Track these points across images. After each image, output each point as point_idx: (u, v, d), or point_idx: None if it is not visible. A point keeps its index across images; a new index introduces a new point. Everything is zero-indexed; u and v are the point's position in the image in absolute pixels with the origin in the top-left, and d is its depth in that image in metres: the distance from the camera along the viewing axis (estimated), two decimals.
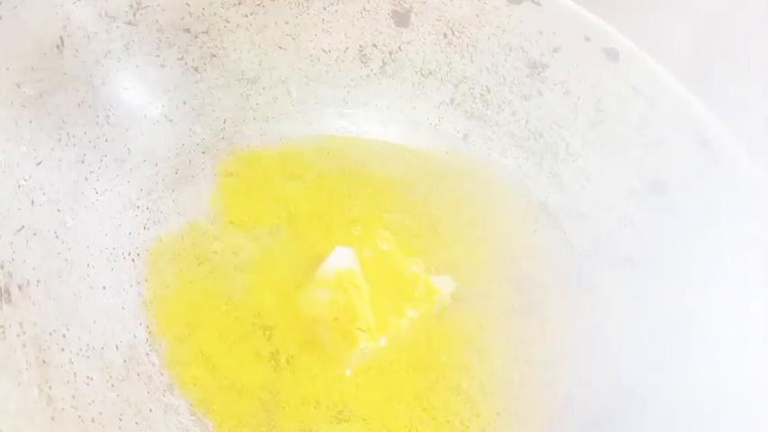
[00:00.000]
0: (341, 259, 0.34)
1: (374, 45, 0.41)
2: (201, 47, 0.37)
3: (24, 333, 0.26)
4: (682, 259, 0.36)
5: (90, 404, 0.27)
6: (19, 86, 0.30)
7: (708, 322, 0.33)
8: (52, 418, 0.25)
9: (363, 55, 0.41)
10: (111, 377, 0.28)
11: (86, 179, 0.33)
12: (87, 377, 0.27)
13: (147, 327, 0.31)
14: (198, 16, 0.37)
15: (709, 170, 0.36)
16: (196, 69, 0.38)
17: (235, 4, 0.38)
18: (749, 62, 0.50)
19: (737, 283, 0.34)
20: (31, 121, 0.30)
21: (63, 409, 0.25)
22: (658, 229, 0.37)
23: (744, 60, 0.50)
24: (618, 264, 0.37)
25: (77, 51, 0.33)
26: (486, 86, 0.41)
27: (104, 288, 0.31)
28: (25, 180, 0.29)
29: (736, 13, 0.54)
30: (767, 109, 0.46)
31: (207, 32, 0.37)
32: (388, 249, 0.36)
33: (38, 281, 0.28)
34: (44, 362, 0.26)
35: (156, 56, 0.36)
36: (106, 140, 0.34)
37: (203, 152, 0.38)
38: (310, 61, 0.40)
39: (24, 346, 0.26)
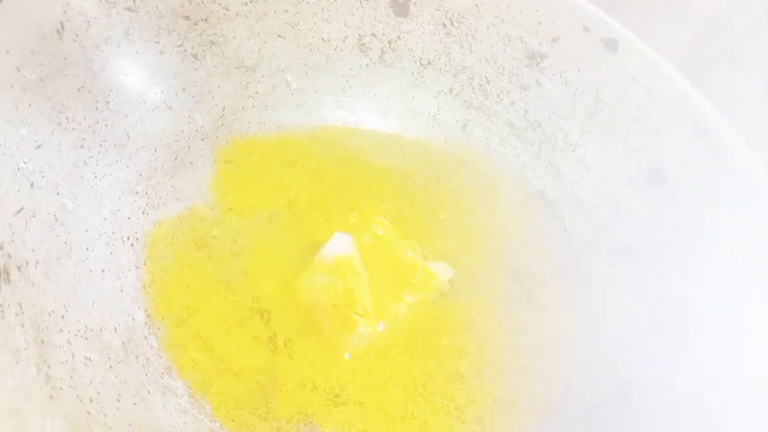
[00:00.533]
0: (339, 245, 0.34)
1: (373, 34, 0.41)
2: (201, 34, 0.38)
3: (23, 313, 0.26)
4: (680, 249, 0.36)
5: (88, 384, 0.27)
6: (19, 70, 0.30)
7: (706, 311, 0.33)
8: (50, 397, 0.25)
9: (362, 44, 0.41)
10: (109, 358, 0.28)
11: (86, 163, 0.33)
12: (86, 358, 0.27)
13: (146, 310, 0.31)
14: (198, 3, 0.37)
15: (707, 160, 0.36)
16: (195, 56, 0.38)
17: None
18: (747, 64, 0.50)
19: (736, 272, 0.34)
20: (30, 105, 0.30)
21: (61, 389, 0.26)
22: (657, 218, 0.37)
23: (742, 62, 0.50)
24: (616, 253, 0.37)
25: (77, 36, 0.33)
26: (485, 76, 0.41)
27: (103, 271, 0.31)
28: (25, 163, 0.30)
29: (735, 15, 0.54)
30: (765, 102, 0.46)
31: (206, 20, 0.37)
32: (385, 235, 0.36)
33: (37, 262, 0.28)
34: (43, 341, 0.26)
35: (156, 42, 0.36)
36: (105, 125, 0.34)
37: (202, 139, 0.38)
38: (309, 50, 0.40)
39: (23, 326, 0.26)
